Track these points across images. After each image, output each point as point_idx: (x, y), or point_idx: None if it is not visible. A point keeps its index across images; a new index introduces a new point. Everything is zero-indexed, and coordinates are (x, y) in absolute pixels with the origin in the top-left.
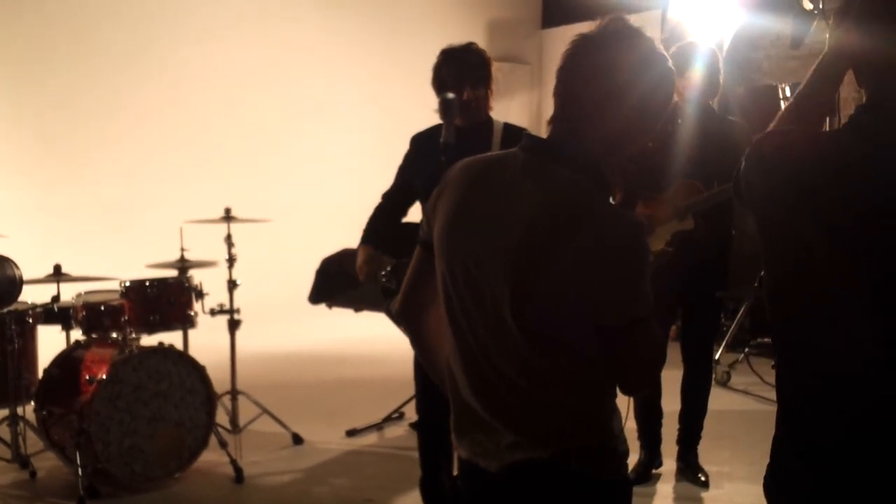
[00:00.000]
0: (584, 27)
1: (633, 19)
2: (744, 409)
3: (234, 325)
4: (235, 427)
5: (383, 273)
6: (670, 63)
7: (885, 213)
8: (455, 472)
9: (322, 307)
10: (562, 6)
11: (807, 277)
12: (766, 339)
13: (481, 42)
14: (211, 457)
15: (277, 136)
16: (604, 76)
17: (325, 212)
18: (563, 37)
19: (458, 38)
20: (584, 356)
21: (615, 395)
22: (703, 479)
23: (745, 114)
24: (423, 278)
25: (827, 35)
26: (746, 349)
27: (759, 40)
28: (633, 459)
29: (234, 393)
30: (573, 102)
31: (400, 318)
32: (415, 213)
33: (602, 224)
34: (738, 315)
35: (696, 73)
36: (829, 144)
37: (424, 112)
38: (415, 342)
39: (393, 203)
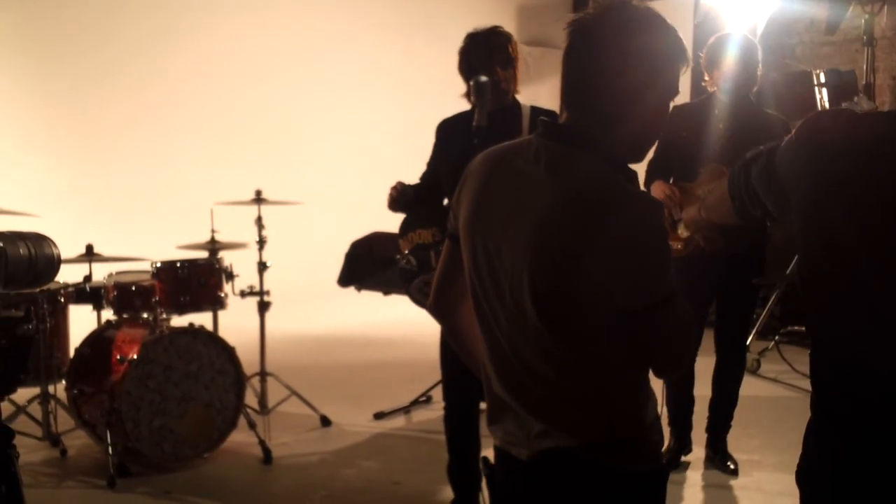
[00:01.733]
0: None
1: (665, 3)
2: (774, 397)
3: (263, 307)
4: (264, 408)
5: (400, 256)
6: (678, 38)
7: None
8: (483, 456)
9: (351, 290)
10: None
11: (837, 261)
12: (796, 328)
13: (511, 26)
14: (240, 437)
15: (308, 118)
16: (637, 65)
17: (355, 195)
18: None
19: (488, 22)
20: (609, 343)
21: (647, 382)
22: (731, 466)
23: (779, 99)
24: (454, 271)
25: (862, 21)
26: (777, 337)
27: (794, 25)
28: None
29: (263, 374)
30: (604, 89)
31: (433, 312)
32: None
33: (624, 210)
34: (769, 303)
35: (731, 64)
36: (863, 130)
37: (454, 96)
38: (450, 334)
39: (427, 193)
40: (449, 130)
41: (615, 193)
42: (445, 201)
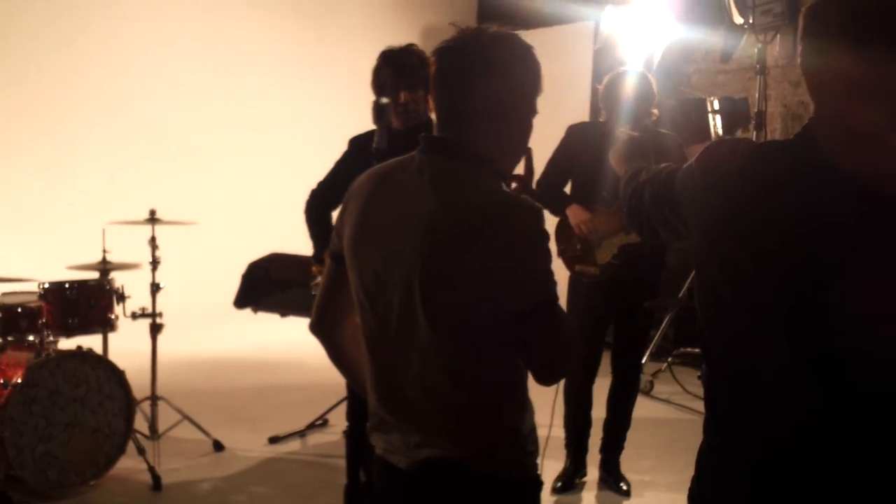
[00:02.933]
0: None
1: (566, 30)
2: (666, 418)
3: (155, 330)
4: (154, 433)
5: (314, 283)
6: (536, 58)
7: (809, 237)
8: (362, 467)
9: (248, 312)
10: (497, 12)
11: (739, 295)
12: (689, 349)
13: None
14: (129, 464)
15: (206, 136)
16: (503, 87)
17: (253, 215)
18: None
19: (393, 41)
20: (492, 351)
21: (525, 393)
22: (624, 487)
23: (675, 126)
24: (336, 290)
25: (755, 50)
26: (670, 358)
27: (690, 54)
28: (559, 468)
29: (153, 398)
30: (477, 108)
31: (315, 332)
32: None
33: (502, 212)
34: (663, 325)
35: (628, 102)
36: (760, 161)
37: (356, 116)
38: (331, 354)
39: (325, 202)
40: (359, 147)
41: (497, 200)
42: None
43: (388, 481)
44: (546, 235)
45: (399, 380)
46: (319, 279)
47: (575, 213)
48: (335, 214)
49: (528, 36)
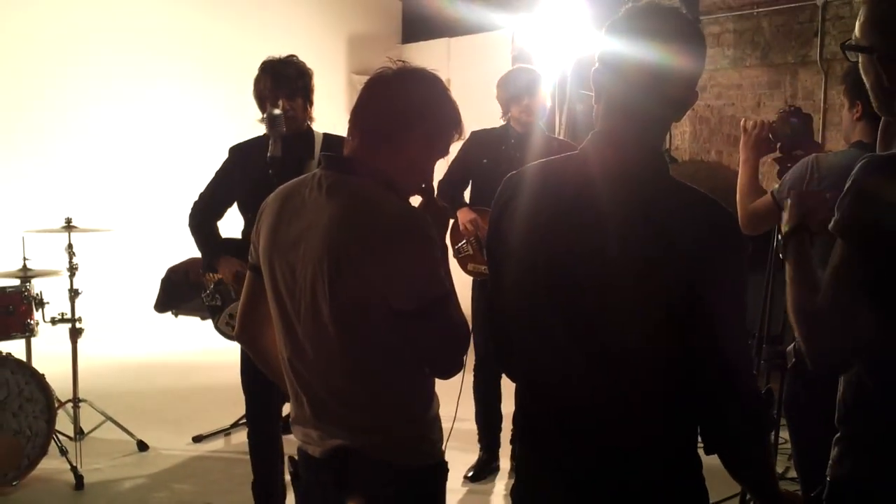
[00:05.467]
0: (440, 43)
1: (485, 38)
2: None
3: (75, 334)
4: (78, 434)
5: (207, 291)
6: (454, 104)
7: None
8: (289, 456)
9: (169, 315)
10: (420, 23)
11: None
12: None
13: (342, 55)
14: (52, 464)
15: (122, 142)
16: (420, 120)
17: (169, 221)
18: (422, 52)
19: (319, 50)
20: (390, 348)
21: (426, 384)
22: None
23: (589, 127)
24: (256, 300)
25: None
26: None
27: None
28: (472, 459)
29: (76, 400)
30: (393, 133)
31: (241, 341)
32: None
33: (390, 218)
34: None
35: (525, 98)
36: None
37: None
38: (257, 359)
39: (209, 212)
40: (242, 156)
41: (387, 209)
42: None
43: (307, 470)
44: (431, 240)
45: (309, 378)
46: (212, 288)
47: (463, 214)
48: (220, 224)
49: (451, 44)
